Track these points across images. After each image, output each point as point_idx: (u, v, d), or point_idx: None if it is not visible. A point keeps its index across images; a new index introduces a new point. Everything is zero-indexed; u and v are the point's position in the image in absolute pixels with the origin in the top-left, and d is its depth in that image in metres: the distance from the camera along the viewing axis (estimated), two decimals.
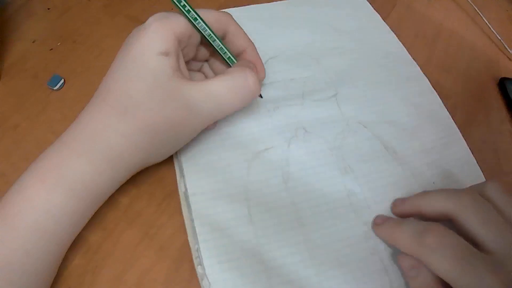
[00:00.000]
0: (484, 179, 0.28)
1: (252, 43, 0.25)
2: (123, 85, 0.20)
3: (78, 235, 0.23)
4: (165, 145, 0.22)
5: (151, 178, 0.25)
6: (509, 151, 0.32)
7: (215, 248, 0.22)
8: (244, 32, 0.24)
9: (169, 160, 0.26)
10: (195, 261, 0.22)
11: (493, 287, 0.17)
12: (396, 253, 0.24)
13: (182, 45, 0.21)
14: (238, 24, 0.24)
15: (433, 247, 0.19)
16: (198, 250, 0.22)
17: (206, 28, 0.22)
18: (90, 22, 0.34)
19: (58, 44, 0.32)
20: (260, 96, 0.27)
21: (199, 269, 0.22)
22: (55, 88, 0.29)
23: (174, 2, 0.21)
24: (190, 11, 0.21)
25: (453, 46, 0.37)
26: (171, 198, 0.25)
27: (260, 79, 0.25)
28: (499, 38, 0.38)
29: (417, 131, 0.30)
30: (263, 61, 0.26)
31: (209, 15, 0.22)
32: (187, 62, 0.24)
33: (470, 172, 0.29)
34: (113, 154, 0.20)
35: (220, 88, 0.21)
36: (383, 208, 0.25)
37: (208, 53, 0.26)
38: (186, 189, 0.24)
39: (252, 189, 0.25)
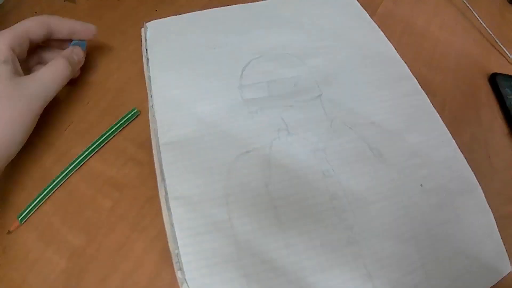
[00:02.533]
0: (475, 181, 0.28)
1: (74, 21, 0.30)
2: None
3: (63, 239, 0.23)
4: (18, 134, 0.25)
5: (133, 181, 0.25)
6: (500, 148, 0.32)
7: (195, 253, 0.22)
8: (65, 19, 0.30)
9: (152, 164, 0.26)
10: (175, 266, 0.22)
11: None
12: (381, 259, 0.24)
13: (16, 52, 0.27)
14: (57, 16, 0.29)
15: None
16: (178, 255, 0.22)
17: None
18: None
19: None
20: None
21: (179, 274, 0.21)
22: None
23: None
24: None
25: (442, 41, 0.37)
26: (153, 202, 0.25)
27: (90, 38, 0.31)
28: (490, 32, 0.37)
29: (404, 132, 0.29)
30: (246, 62, 0.27)
31: (30, 23, 0.28)
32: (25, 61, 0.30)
33: (460, 174, 0.28)
34: None
35: (43, 73, 0.27)
36: (367, 212, 0.25)
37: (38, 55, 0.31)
38: (166, 193, 0.24)
39: (233, 193, 0.24)
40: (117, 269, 0.23)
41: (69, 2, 0.36)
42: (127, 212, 0.24)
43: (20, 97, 0.25)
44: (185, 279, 0.21)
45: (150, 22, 0.29)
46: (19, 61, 0.28)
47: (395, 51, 0.33)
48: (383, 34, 0.34)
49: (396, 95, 0.31)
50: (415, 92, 0.31)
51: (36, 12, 0.35)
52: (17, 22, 0.27)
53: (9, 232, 0.24)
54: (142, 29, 0.28)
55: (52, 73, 0.28)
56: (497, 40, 0.37)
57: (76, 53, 0.31)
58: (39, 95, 0.27)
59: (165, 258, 0.23)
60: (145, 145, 0.27)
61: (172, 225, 0.23)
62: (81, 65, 0.31)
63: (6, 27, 0.27)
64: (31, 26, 0.28)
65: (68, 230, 0.24)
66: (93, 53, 0.33)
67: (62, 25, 0.30)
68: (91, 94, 0.31)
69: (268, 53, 0.31)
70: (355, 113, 0.29)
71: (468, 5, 0.39)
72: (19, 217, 0.24)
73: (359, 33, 0.34)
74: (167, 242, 0.23)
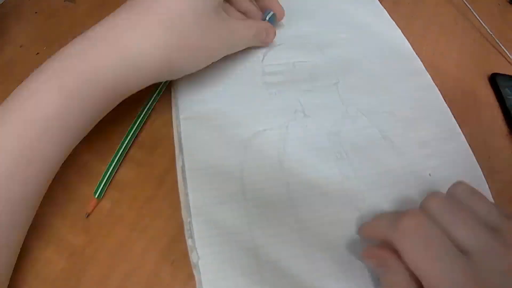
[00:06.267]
0: (482, 177, 0.28)
1: None
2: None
3: (63, 238, 0.23)
4: (192, 58, 0.24)
5: (133, 182, 0.25)
6: (500, 149, 0.32)
7: (207, 222, 0.23)
8: None
9: (151, 163, 0.26)
10: (186, 234, 0.23)
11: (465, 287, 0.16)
12: None
13: None
14: None
15: (406, 231, 0.18)
16: (190, 223, 0.22)
17: None
18: (76, 25, 0.34)
19: (44, 48, 0.32)
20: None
21: (189, 242, 0.22)
22: None
23: None
24: None
25: (442, 41, 0.37)
26: (153, 202, 0.25)
27: (279, 18, 0.31)
28: (490, 33, 0.37)
29: (416, 123, 0.30)
30: (268, 48, 0.30)
31: None
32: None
33: (467, 168, 0.29)
34: (132, 53, 0.21)
35: (242, 27, 0.27)
36: (377, 195, 0.26)
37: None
38: (183, 164, 0.24)
39: (248, 167, 0.25)
40: (117, 269, 0.23)
41: (69, 2, 0.36)
42: (127, 212, 0.24)
43: (219, 35, 0.25)
44: (195, 247, 0.21)
45: None
46: None
47: (411, 47, 0.34)
48: (400, 31, 0.35)
49: (410, 88, 0.32)
50: (429, 87, 0.32)
51: (36, 12, 0.35)
52: (14, 22, 0.26)
53: (88, 215, 0.24)
54: None
55: (248, 33, 0.28)
56: (497, 40, 0.37)
57: (269, 33, 0.30)
58: (233, 42, 0.27)
59: (164, 258, 0.23)
60: (145, 145, 0.27)
61: (186, 194, 0.23)
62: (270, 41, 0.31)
63: (5, 28, 0.26)
64: None
65: (67, 230, 0.24)
66: None
67: None
68: None
69: (289, 41, 0.33)
70: (370, 102, 0.30)
71: (468, 5, 0.39)
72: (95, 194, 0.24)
73: (377, 28, 0.35)
74: (165, 243, 0.23)
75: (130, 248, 0.23)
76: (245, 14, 0.31)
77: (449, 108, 0.31)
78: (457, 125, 0.30)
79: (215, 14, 0.24)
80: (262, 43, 0.30)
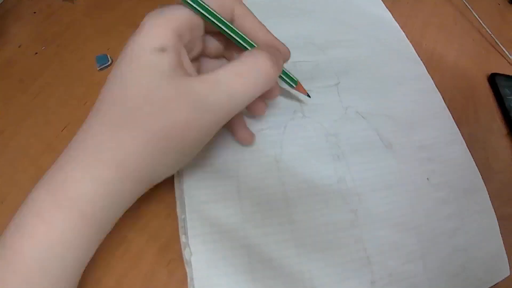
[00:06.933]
0: (481, 182, 0.28)
1: (263, 25, 0.22)
2: (117, 92, 0.18)
3: None
4: (174, 155, 0.19)
5: None
6: (499, 149, 0.31)
7: (201, 219, 0.23)
8: (253, 14, 0.22)
9: None
10: (180, 231, 0.23)
11: None
12: (381, 245, 0.24)
13: (184, 40, 0.19)
14: (244, 5, 0.21)
15: None
16: (184, 219, 0.23)
17: (211, 14, 0.19)
18: (74, 25, 0.34)
19: (43, 48, 0.32)
20: (308, 95, 0.27)
21: (183, 238, 0.22)
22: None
23: None
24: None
25: (441, 41, 0.37)
26: (150, 203, 0.25)
27: (284, 59, 0.23)
28: (490, 33, 0.37)
29: (415, 127, 0.29)
30: None
31: (208, 1, 0.20)
32: (197, 60, 0.22)
33: (466, 173, 0.29)
34: (114, 171, 0.17)
35: (227, 74, 0.18)
36: (373, 197, 0.25)
37: (221, 46, 0.23)
38: None
39: (244, 166, 0.25)
40: (113, 270, 0.23)
41: (67, 2, 0.36)
42: (124, 213, 0.24)
43: (185, 105, 0.17)
44: (188, 243, 0.22)
45: None
46: (191, 57, 0.20)
47: (414, 50, 0.34)
48: (403, 33, 0.35)
49: (411, 91, 0.31)
50: (430, 90, 0.32)
51: (34, 12, 0.35)
52: (13, 22, 0.25)
53: None
54: None
55: (244, 75, 0.18)
56: (496, 40, 0.37)
57: (276, 54, 0.21)
58: (218, 113, 0.18)
59: (160, 259, 0.23)
60: None
61: (182, 190, 0.23)
62: (280, 72, 0.22)
63: (4, 28, 0.26)
64: (210, 3, 0.20)
65: None
66: (90, 53, 0.33)
67: (246, 19, 0.21)
68: (89, 94, 0.31)
69: (291, 41, 0.32)
70: (369, 104, 0.30)
71: (467, 4, 0.39)
72: None
73: (380, 30, 0.35)
74: (160, 245, 0.23)
75: (126, 248, 0.23)
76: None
77: (448, 108, 0.31)
78: (457, 129, 0.30)
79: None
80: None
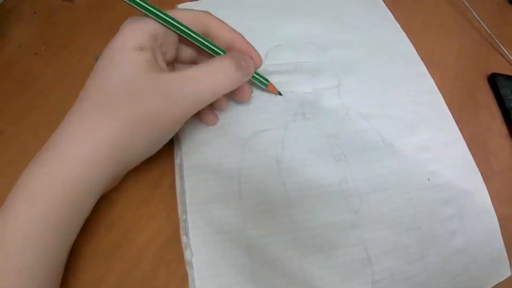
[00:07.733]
0: (482, 183, 0.28)
1: (239, 33, 0.24)
2: (100, 82, 0.20)
3: None
4: (148, 139, 0.21)
5: (129, 182, 0.25)
6: (499, 149, 0.31)
7: (202, 220, 0.23)
8: (227, 25, 0.24)
9: (147, 164, 0.26)
10: (182, 231, 0.23)
11: None
12: (383, 245, 0.24)
13: (158, 41, 0.22)
14: (219, 19, 0.24)
15: None
16: (185, 220, 0.23)
17: (179, 26, 0.22)
18: (74, 25, 0.34)
19: (43, 48, 0.32)
20: (279, 93, 0.28)
21: (184, 239, 0.22)
22: None
23: (138, 4, 0.22)
24: (158, 14, 0.22)
25: (441, 41, 0.37)
26: (149, 202, 0.25)
27: (256, 65, 0.25)
28: (490, 32, 0.37)
29: (416, 127, 0.29)
30: (268, 48, 0.28)
31: (185, 15, 0.23)
32: (171, 64, 0.25)
33: (467, 173, 0.28)
34: (92, 153, 0.19)
35: (196, 73, 0.21)
36: (374, 198, 0.25)
37: (194, 53, 0.26)
38: (181, 161, 0.25)
39: (245, 167, 0.25)
40: (113, 269, 0.23)
41: (67, 2, 0.36)
42: (124, 213, 0.24)
43: (159, 95, 0.20)
44: (189, 244, 0.22)
45: (183, 3, 0.31)
46: (166, 60, 0.23)
47: (415, 51, 0.34)
48: (404, 34, 0.35)
49: (413, 92, 0.31)
50: (431, 91, 0.32)
51: (35, 12, 0.35)
52: (13, 22, 0.26)
53: None
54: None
55: (210, 74, 0.21)
56: (496, 40, 0.37)
57: (246, 60, 0.23)
58: (186, 105, 0.21)
59: (160, 258, 0.23)
60: None
61: (183, 191, 0.23)
62: (250, 76, 0.24)
63: (4, 28, 0.26)
64: (184, 18, 0.22)
65: None
66: (90, 53, 0.33)
67: (221, 29, 0.24)
68: None
69: (290, 42, 0.32)
70: (371, 105, 0.30)
71: (467, 4, 0.39)
72: None
73: (381, 30, 0.35)
74: (162, 244, 0.23)
75: (126, 249, 0.23)
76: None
77: (448, 108, 0.31)
78: (458, 130, 0.30)
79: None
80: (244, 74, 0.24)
